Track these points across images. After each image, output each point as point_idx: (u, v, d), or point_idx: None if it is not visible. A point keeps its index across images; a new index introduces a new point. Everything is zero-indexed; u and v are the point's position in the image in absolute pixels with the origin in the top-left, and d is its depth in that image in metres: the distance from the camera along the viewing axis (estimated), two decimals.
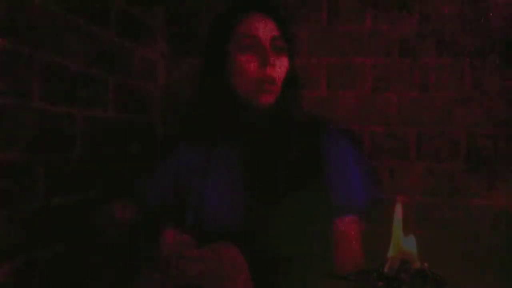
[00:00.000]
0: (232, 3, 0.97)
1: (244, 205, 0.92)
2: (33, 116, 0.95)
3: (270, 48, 0.90)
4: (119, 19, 1.30)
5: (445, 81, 1.44)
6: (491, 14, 1.40)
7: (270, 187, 0.92)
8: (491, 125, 1.41)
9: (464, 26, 1.42)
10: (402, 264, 0.61)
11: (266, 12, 0.92)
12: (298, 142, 0.94)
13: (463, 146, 1.43)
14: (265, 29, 0.90)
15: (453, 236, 1.42)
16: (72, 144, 1.09)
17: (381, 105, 1.49)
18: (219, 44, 0.94)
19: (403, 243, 0.62)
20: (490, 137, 1.41)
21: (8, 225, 0.89)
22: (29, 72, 0.93)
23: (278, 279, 0.88)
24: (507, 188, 1.39)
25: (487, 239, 1.39)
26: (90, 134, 1.16)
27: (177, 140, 1.03)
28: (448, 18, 1.44)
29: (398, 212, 0.63)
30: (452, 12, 1.44)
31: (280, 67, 0.91)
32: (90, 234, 1.02)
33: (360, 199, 0.95)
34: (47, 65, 0.98)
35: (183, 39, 1.61)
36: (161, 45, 1.59)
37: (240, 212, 0.91)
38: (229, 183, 0.95)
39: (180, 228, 0.85)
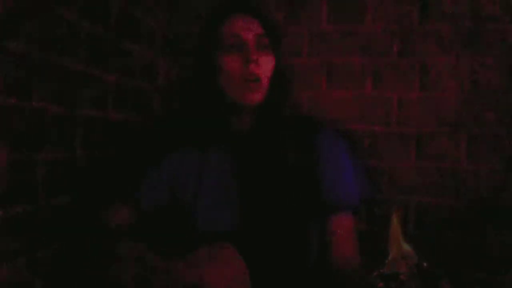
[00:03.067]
0: (217, 4, 0.98)
1: (237, 206, 0.92)
2: (33, 116, 0.95)
3: (254, 46, 0.91)
4: (119, 19, 1.30)
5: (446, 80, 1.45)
6: None
7: (263, 188, 0.92)
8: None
9: None
10: (402, 264, 0.61)
11: (250, 12, 0.94)
12: (291, 142, 0.95)
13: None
14: (248, 28, 0.91)
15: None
16: (72, 144, 1.09)
17: (381, 105, 1.49)
18: (206, 46, 0.95)
19: (403, 244, 0.62)
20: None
21: (8, 225, 0.89)
22: (29, 71, 0.93)
23: (276, 279, 0.89)
24: None
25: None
26: (90, 134, 1.16)
27: (171, 143, 1.03)
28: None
29: (395, 221, 0.64)
30: None
31: (265, 65, 0.92)
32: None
33: (354, 196, 0.96)
34: (46, 64, 0.98)
35: (183, 38, 1.61)
36: (161, 45, 1.59)
37: (234, 213, 0.92)
38: (222, 185, 0.95)
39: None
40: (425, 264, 0.62)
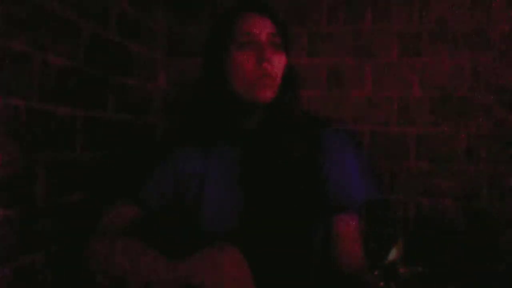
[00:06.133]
0: (230, 3, 0.98)
1: (242, 204, 0.92)
2: (33, 116, 0.95)
3: (267, 45, 0.91)
4: (119, 19, 1.30)
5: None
6: None
7: (268, 187, 0.92)
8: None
9: None
10: (403, 265, 0.61)
11: (262, 11, 0.94)
12: (297, 141, 0.95)
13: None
14: (261, 27, 0.92)
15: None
16: (72, 144, 1.09)
17: (381, 105, 1.49)
18: (218, 44, 0.95)
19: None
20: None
21: (9, 226, 0.89)
22: (29, 72, 0.93)
23: (279, 278, 0.88)
24: None
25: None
26: (90, 134, 1.16)
27: (176, 141, 1.03)
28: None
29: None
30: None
31: (277, 63, 0.92)
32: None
33: (359, 196, 0.95)
34: (46, 65, 0.98)
35: (183, 38, 1.61)
36: (161, 45, 1.59)
37: (238, 211, 0.92)
38: (227, 184, 0.95)
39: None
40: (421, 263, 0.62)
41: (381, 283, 0.59)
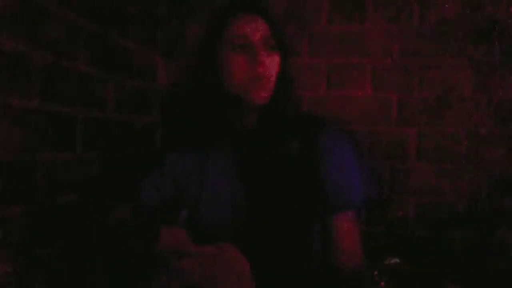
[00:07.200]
0: (223, 4, 0.98)
1: (240, 203, 0.92)
2: (33, 116, 0.95)
3: (261, 47, 0.91)
4: (119, 19, 1.30)
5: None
6: None
7: (266, 186, 0.92)
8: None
9: None
10: (402, 265, 0.62)
11: (256, 12, 0.94)
12: (294, 140, 0.95)
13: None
14: (255, 29, 0.92)
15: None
16: (72, 144, 1.09)
17: (380, 105, 1.50)
18: (211, 45, 0.95)
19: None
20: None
21: (9, 225, 0.89)
22: (29, 72, 0.93)
23: (278, 277, 0.89)
24: None
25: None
26: (90, 134, 1.16)
27: (174, 143, 1.04)
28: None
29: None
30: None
31: (271, 65, 0.92)
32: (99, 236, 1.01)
33: (357, 196, 0.95)
34: (46, 65, 0.98)
35: (183, 38, 1.61)
36: (161, 45, 1.59)
37: (236, 210, 0.92)
38: (225, 183, 0.95)
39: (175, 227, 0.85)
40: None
41: (381, 283, 0.59)
